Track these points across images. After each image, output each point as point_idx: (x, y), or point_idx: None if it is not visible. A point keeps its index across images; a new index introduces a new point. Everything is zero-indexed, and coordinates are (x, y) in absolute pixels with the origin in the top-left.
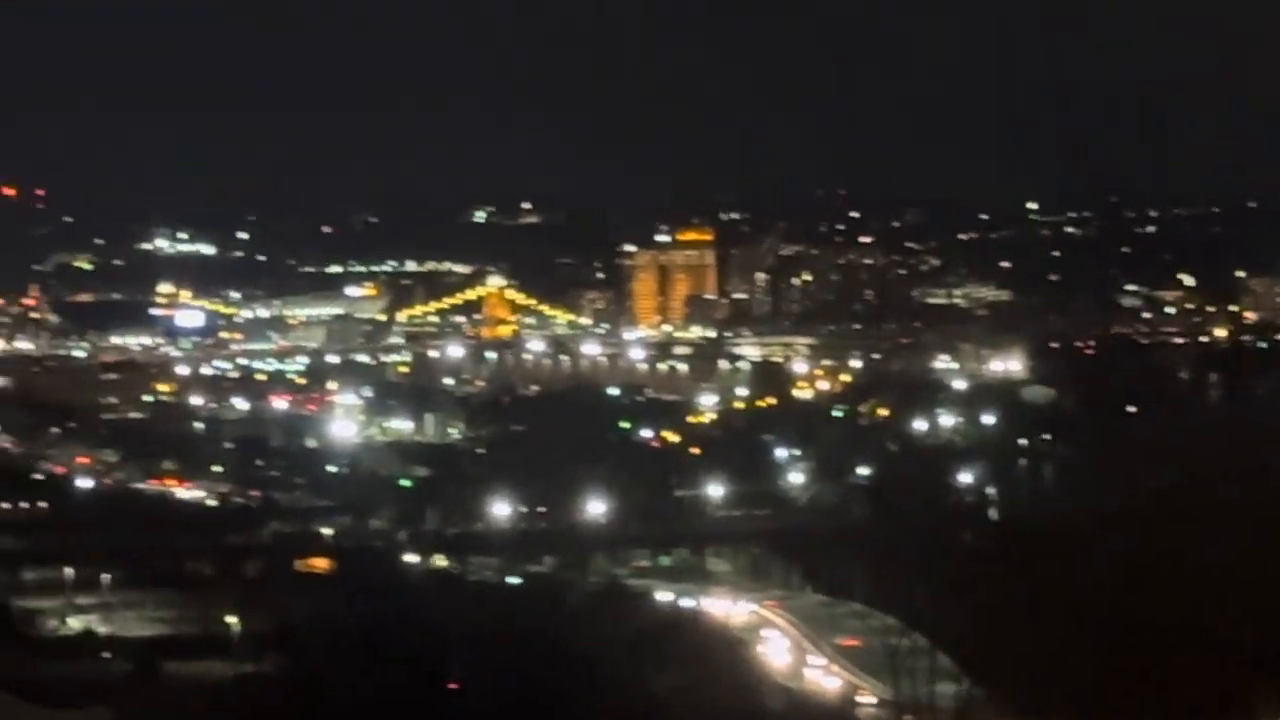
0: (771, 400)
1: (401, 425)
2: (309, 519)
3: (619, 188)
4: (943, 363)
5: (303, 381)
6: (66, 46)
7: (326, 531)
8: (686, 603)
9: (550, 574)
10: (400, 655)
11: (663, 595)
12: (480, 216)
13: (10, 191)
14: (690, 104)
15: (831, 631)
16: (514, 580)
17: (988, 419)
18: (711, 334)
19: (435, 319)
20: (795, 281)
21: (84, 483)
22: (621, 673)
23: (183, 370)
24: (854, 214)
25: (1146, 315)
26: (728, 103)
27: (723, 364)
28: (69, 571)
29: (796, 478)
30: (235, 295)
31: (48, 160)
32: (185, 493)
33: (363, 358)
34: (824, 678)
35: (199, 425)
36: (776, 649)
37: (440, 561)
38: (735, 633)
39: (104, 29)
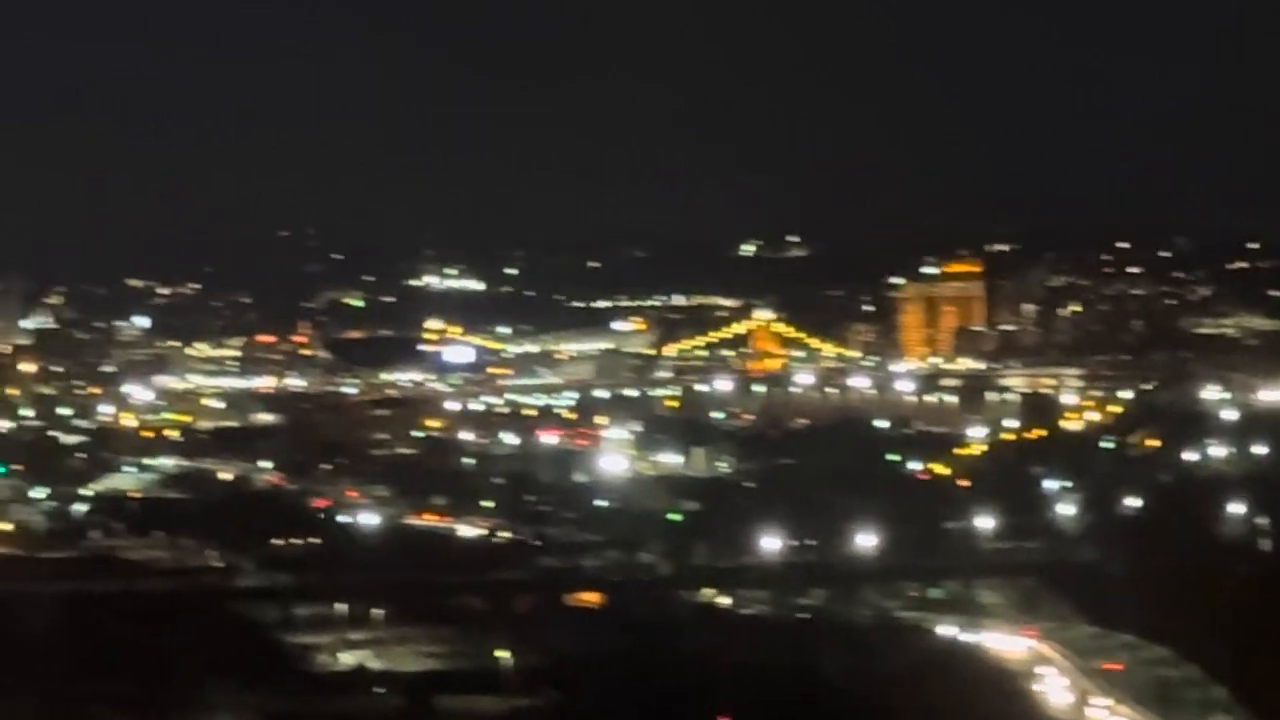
0: (1040, 432)
1: (670, 459)
2: (579, 554)
3: (886, 220)
4: (1212, 393)
5: (572, 416)
6: (343, 92)
7: (596, 566)
8: (958, 636)
9: (820, 607)
10: (670, 689)
11: (935, 628)
12: (748, 250)
13: (284, 232)
14: (952, 136)
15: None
16: (784, 614)
17: (1259, 449)
18: (979, 366)
19: (703, 353)
20: (1063, 312)
21: (355, 519)
22: (895, 708)
23: (452, 406)
24: (1122, 244)
25: None
26: (991, 133)
27: (991, 396)
28: (342, 607)
29: (1066, 509)
30: (504, 330)
31: (319, 199)
32: (456, 528)
33: (631, 392)
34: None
35: (469, 461)
36: (1054, 686)
37: (710, 595)
38: (1011, 667)
39: (377, 73)
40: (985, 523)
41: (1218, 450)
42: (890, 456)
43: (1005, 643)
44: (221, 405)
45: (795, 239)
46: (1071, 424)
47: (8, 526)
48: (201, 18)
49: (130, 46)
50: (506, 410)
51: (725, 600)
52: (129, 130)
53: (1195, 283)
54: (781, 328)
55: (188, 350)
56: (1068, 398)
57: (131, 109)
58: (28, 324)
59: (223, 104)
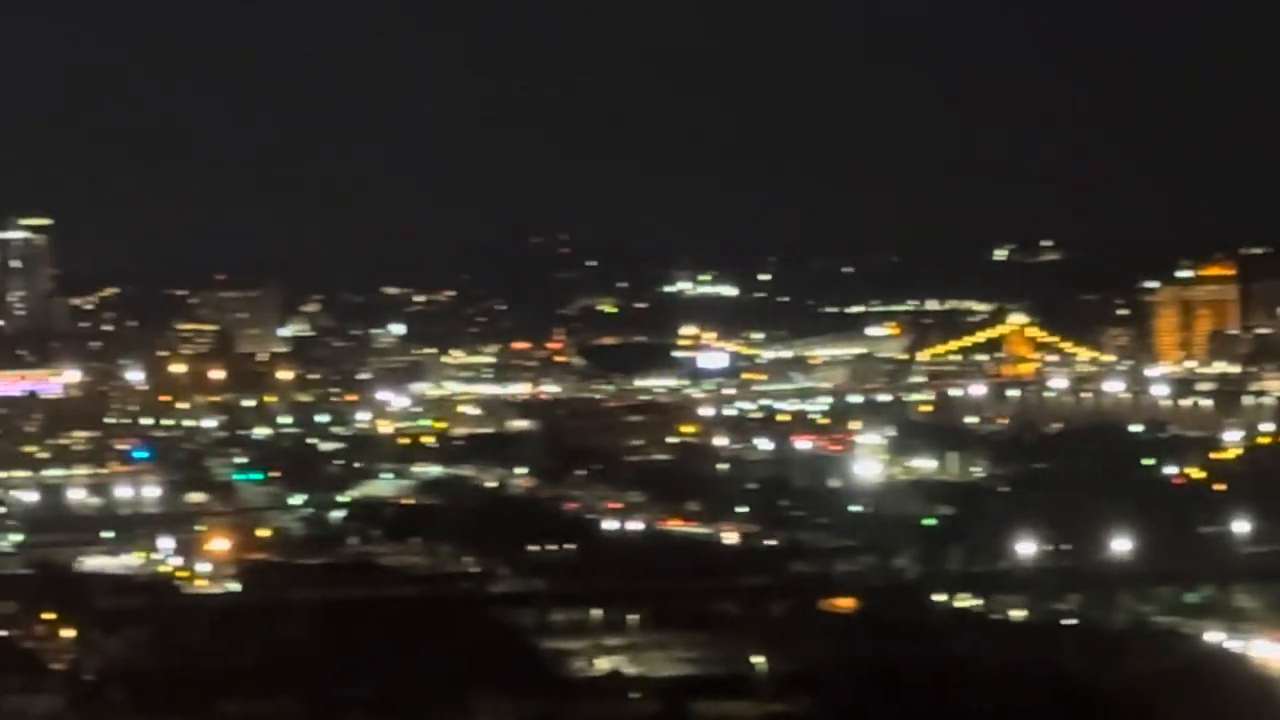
0: None
1: (924, 464)
2: (833, 559)
3: (1140, 223)
4: None
5: (825, 421)
6: (596, 100)
7: (850, 571)
8: (1219, 642)
9: (1076, 612)
10: (925, 695)
11: (1193, 634)
12: (1001, 254)
13: (536, 240)
14: (1207, 139)
15: None
16: (1040, 619)
17: None
18: (1235, 369)
19: (956, 357)
20: None
21: (610, 524)
22: (1154, 714)
23: (706, 411)
24: None
25: None
26: (1246, 136)
27: (1247, 399)
28: (597, 612)
29: None
30: (757, 336)
31: (572, 206)
32: (710, 533)
33: (884, 397)
34: None
35: (723, 466)
36: None
37: (965, 600)
38: (1274, 674)
39: (631, 83)
40: (1242, 527)
41: None
42: (1145, 461)
43: (1267, 649)
44: (477, 412)
45: (1049, 243)
46: None
47: (266, 533)
48: (456, 34)
49: (394, 65)
50: (760, 415)
51: (980, 605)
52: (387, 142)
53: None
54: (1035, 332)
55: (443, 357)
56: None
57: (387, 122)
58: (285, 331)
59: (472, 115)
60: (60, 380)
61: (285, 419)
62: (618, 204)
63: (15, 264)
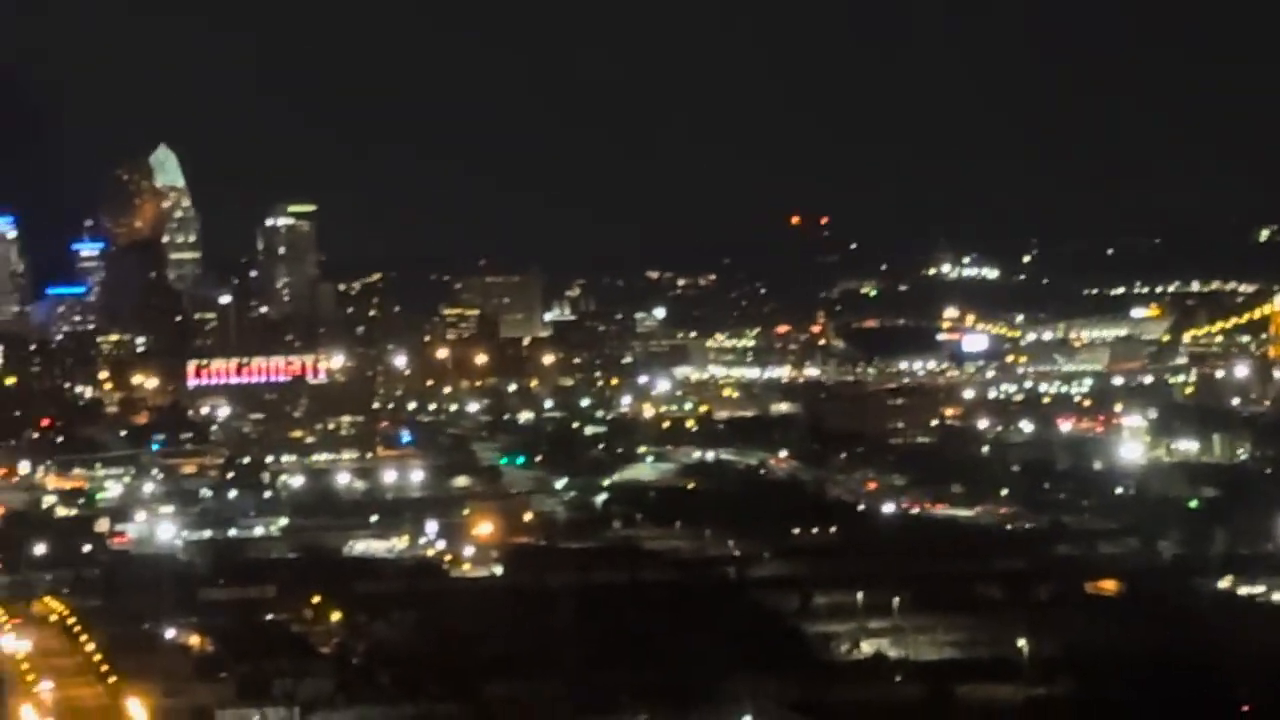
0: None
1: (1188, 446)
2: (1097, 541)
3: None
4: None
5: (1088, 404)
6: (856, 83)
7: (1114, 553)
8: None
9: None
10: (1191, 679)
11: None
12: (1265, 235)
13: (796, 220)
14: None
15: None
16: None
17: None
18: None
19: (1220, 339)
20: None
21: (873, 507)
22: None
23: (968, 394)
24: None
25: None
26: None
27: None
28: (860, 596)
29: None
30: (1019, 318)
31: (832, 188)
32: (973, 516)
33: (1147, 379)
34: None
35: (985, 449)
36: None
37: (1231, 583)
38: None
39: (892, 70)
40: None
41: None
42: None
43: None
44: (738, 395)
45: None
46: None
47: (530, 517)
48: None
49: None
50: (1022, 398)
51: (1247, 588)
52: (650, 126)
53: None
54: None
55: (705, 341)
56: None
57: (641, 108)
58: (549, 316)
59: (729, 97)
60: (326, 365)
61: (548, 403)
62: (879, 186)
63: (282, 250)
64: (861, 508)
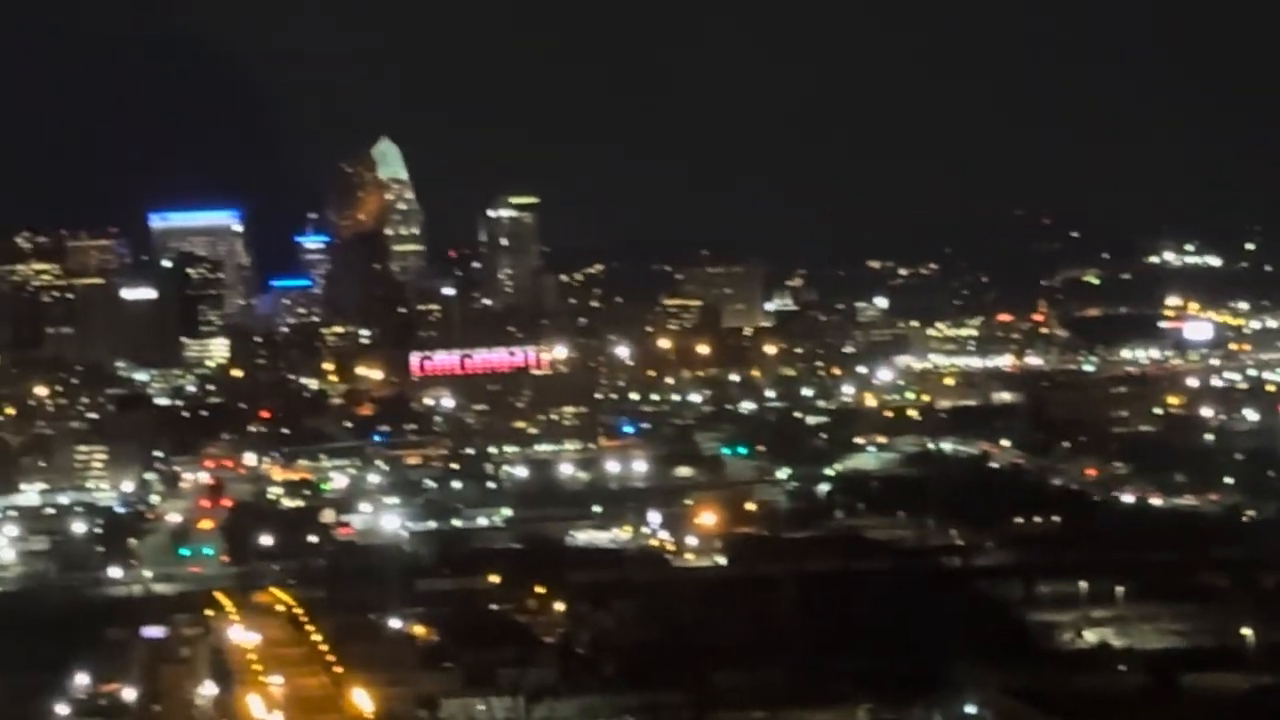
0: None
1: None
2: None
3: None
4: None
5: None
6: (1068, 71)
7: None
8: None
9: None
10: None
11: None
12: None
13: (1019, 210)
14: None
15: None
16: None
17: None
18: None
19: None
20: None
21: (1096, 496)
22: None
23: (1191, 383)
24: None
25: None
26: None
27: None
28: (1083, 584)
29: None
30: (1242, 306)
31: (1054, 177)
32: (1195, 505)
33: None
34: None
35: (1209, 437)
36: None
37: None
38: None
39: (1097, 54)
40: None
41: None
42: None
43: None
44: (960, 384)
45: None
46: None
47: (752, 506)
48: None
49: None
50: (1246, 386)
51: None
52: (863, 118)
53: None
54: None
55: (927, 330)
56: None
57: (863, 99)
58: (770, 306)
59: (952, 88)
60: (549, 356)
61: (770, 393)
62: (1100, 174)
63: (504, 242)
64: (1085, 496)
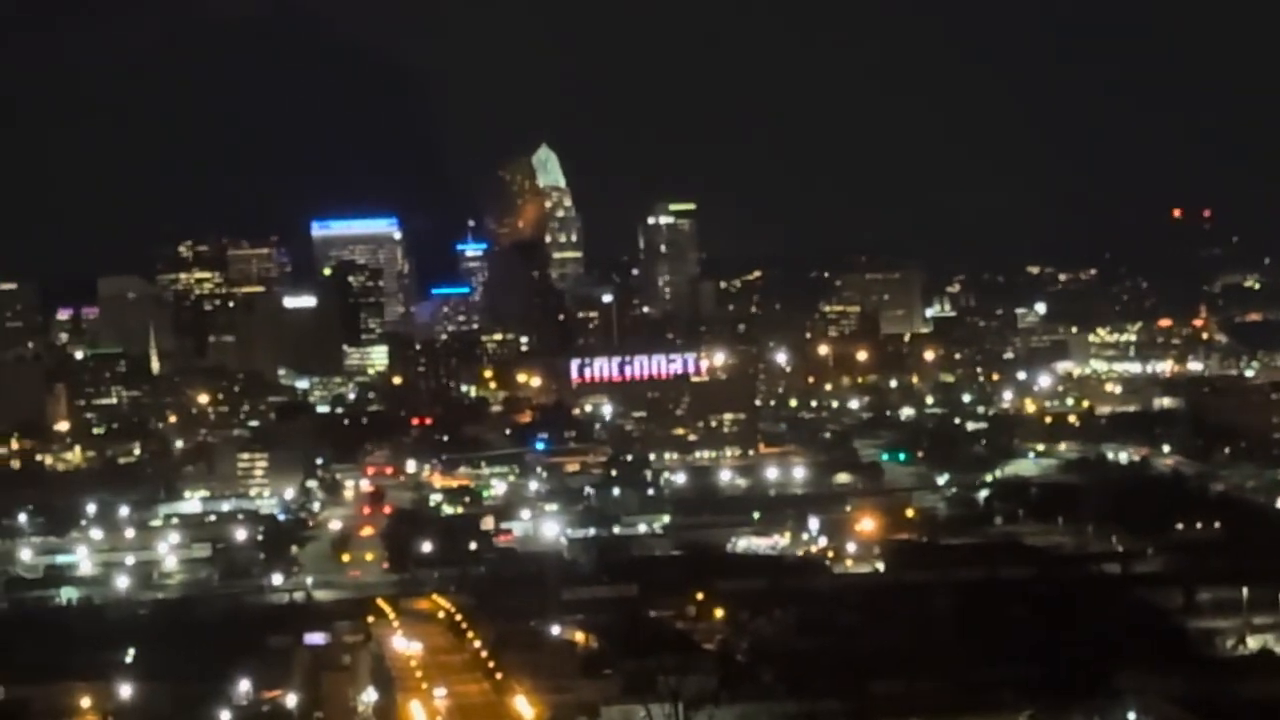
0: None
1: None
2: None
3: None
4: None
5: None
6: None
7: None
8: None
9: None
10: None
11: None
12: None
13: (1178, 213)
14: None
15: None
16: None
17: None
18: None
19: None
20: None
21: (1257, 502)
22: None
23: None
24: None
25: None
26: None
27: None
28: (1245, 591)
29: None
30: None
31: (1215, 181)
32: None
33: None
34: None
35: None
36: None
37: None
38: None
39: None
40: None
41: None
42: None
43: None
44: (1120, 390)
45: None
46: None
47: (912, 513)
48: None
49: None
50: None
51: None
52: (1019, 125)
53: None
54: None
55: (1087, 336)
56: None
57: (1022, 106)
58: (929, 312)
59: (1110, 90)
60: (708, 363)
61: (929, 399)
62: (1263, 178)
63: (663, 249)
64: (1247, 503)
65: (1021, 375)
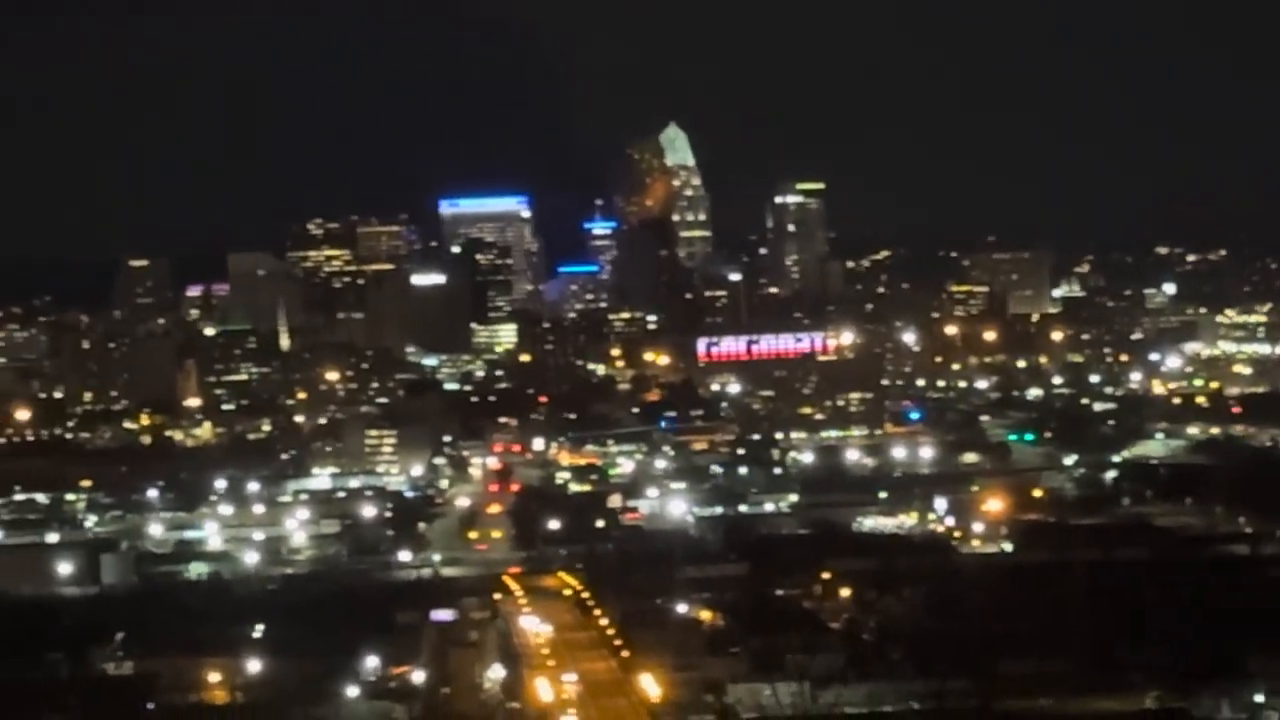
0: None
1: None
2: None
3: None
4: None
5: None
6: None
7: None
8: None
9: None
10: None
11: None
12: None
13: None
14: None
15: None
16: None
17: None
18: None
19: None
20: None
21: None
22: None
23: None
24: None
25: None
26: None
27: None
28: None
29: None
30: None
31: None
32: None
33: None
34: None
35: None
36: None
37: None
38: None
39: None
40: None
41: None
42: None
43: None
44: (1250, 371)
45: None
46: None
47: (1039, 493)
48: None
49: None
50: None
51: None
52: (1151, 104)
53: None
54: None
55: (1216, 317)
56: None
57: (1151, 85)
58: (1058, 292)
59: (1240, 70)
60: (835, 342)
61: (1057, 379)
62: None
63: (791, 228)
64: None
65: (1150, 356)
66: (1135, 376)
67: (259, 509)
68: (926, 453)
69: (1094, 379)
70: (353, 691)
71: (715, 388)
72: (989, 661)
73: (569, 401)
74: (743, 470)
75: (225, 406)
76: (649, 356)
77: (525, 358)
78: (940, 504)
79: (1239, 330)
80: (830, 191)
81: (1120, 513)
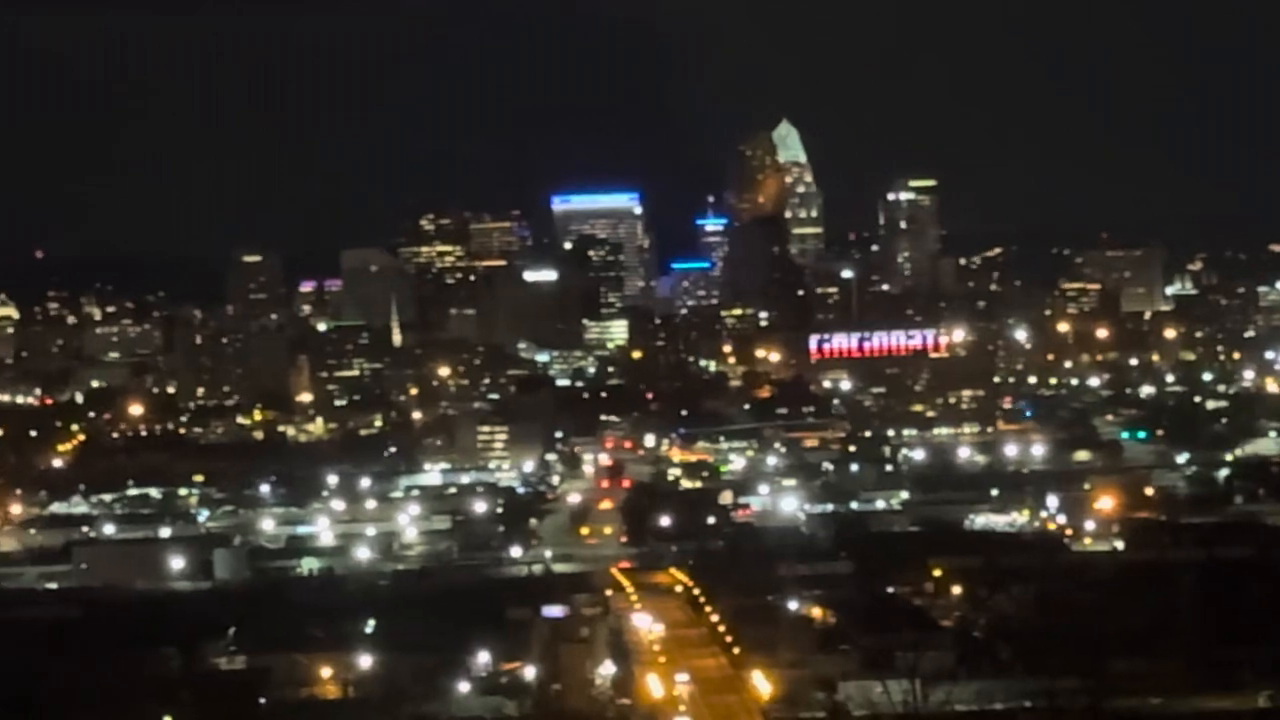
0: None
1: None
2: None
3: None
4: None
5: None
6: None
7: None
8: None
9: None
10: None
11: None
12: None
13: None
14: None
15: None
16: None
17: None
18: None
19: None
20: None
21: None
22: None
23: None
24: None
25: None
26: None
27: None
28: None
29: None
30: None
31: None
32: None
33: None
34: None
35: None
36: None
37: None
38: None
39: None
40: None
41: None
42: None
43: None
44: None
45: None
46: None
47: (1151, 491)
48: None
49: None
50: None
51: None
52: (1252, 98)
53: None
54: None
55: None
56: None
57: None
58: (1170, 290)
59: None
60: (947, 340)
61: (1170, 378)
62: None
63: (903, 225)
64: None
65: (1263, 354)
66: (1248, 374)
67: (370, 504)
68: (1038, 450)
69: (1206, 377)
70: (464, 687)
71: (826, 385)
72: (1099, 660)
73: (680, 398)
74: (854, 467)
75: (337, 402)
76: (760, 353)
77: (637, 354)
78: (1052, 502)
79: None
80: (942, 188)
81: (1232, 511)
